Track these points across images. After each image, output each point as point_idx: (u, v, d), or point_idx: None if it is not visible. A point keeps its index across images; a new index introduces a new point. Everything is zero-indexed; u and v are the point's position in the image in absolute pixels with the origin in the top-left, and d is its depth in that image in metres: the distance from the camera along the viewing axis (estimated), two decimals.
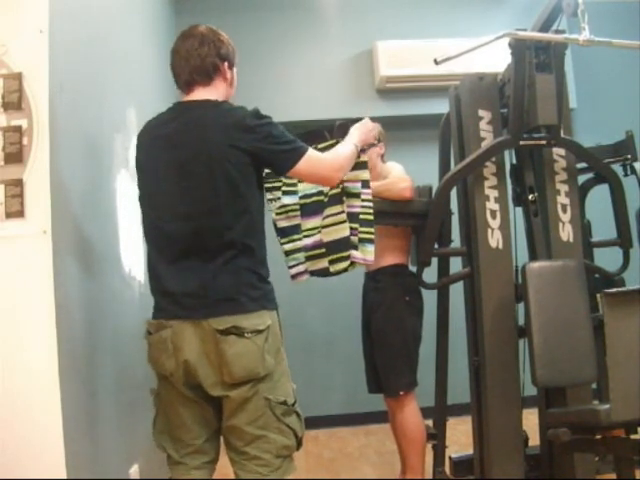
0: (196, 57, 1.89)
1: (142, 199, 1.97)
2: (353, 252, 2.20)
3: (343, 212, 2.22)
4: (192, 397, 1.84)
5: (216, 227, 1.81)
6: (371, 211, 2.19)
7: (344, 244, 2.22)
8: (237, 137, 1.80)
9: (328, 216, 2.26)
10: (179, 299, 1.81)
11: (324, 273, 2.30)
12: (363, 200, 2.19)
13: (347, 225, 2.20)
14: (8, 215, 1.79)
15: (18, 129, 1.82)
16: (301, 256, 2.34)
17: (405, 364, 2.79)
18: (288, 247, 2.36)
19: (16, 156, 1.81)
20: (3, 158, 1.81)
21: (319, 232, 2.28)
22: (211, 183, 1.80)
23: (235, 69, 2.04)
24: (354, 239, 2.20)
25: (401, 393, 2.77)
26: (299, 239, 2.34)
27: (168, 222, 1.86)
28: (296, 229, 2.34)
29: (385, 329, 2.81)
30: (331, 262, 2.26)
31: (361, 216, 2.19)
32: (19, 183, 1.80)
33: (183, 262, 1.83)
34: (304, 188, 2.35)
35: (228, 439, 1.87)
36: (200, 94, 1.92)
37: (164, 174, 1.87)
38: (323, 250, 2.27)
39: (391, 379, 2.81)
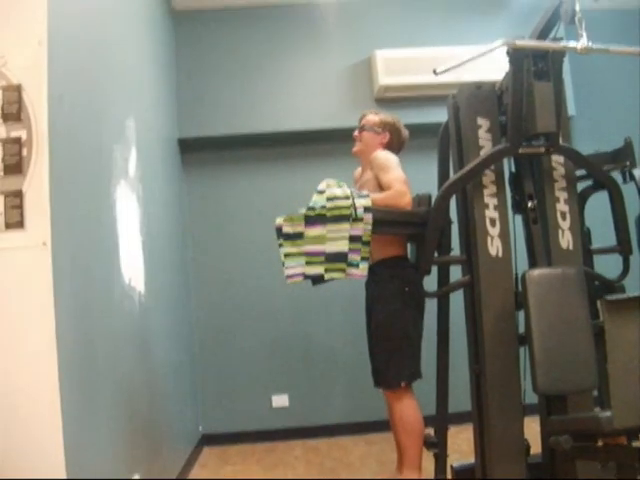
0: None
1: None
2: (352, 270, 2.54)
3: (347, 232, 2.52)
4: None
5: None
6: (370, 233, 2.53)
7: (341, 257, 2.54)
8: None
9: (332, 230, 2.53)
10: None
11: (318, 279, 2.57)
12: (365, 224, 2.53)
13: (347, 243, 2.52)
14: (8, 226, 1.80)
15: (17, 140, 1.83)
16: (302, 260, 2.54)
17: (403, 357, 2.79)
18: (290, 250, 2.55)
19: (16, 167, 1.82)
20: (3, 169, 1.82)
21: (322, 243, 2.53)
22: None
23: None
24: (356, 257, 2.53)
25: (402, 385, 2.78)
26: (302, 244, 2.55)
27: None
28: (299, 236, 2.56)
29: (384, 322, 2.82)
30: (327, 270, 2.54)
31: (363, 238, 2.53)
32: (19, 194, 1.81)
33: None
34: (314, 201, 2.58)
35: None
36: None
37: None
38: (322, 259, 2.53)
39: (389, 372, 2.80)
